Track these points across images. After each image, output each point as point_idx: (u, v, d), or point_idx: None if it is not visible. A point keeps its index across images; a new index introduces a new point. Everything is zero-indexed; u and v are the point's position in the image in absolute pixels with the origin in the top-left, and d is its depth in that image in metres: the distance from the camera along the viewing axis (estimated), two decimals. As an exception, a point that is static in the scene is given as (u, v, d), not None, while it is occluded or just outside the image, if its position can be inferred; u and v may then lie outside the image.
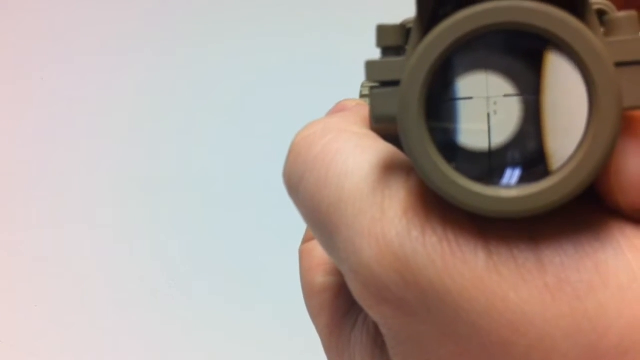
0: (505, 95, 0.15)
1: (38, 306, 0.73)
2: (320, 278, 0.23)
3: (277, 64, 0.73)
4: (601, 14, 0.17)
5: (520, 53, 0.15)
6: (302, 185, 0.18)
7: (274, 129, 0.72)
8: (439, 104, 0.15)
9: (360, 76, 0.27)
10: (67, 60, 0.76)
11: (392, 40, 0.16)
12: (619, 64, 0.15)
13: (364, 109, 0.22)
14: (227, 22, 0.75)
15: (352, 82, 0.31)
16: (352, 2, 0.73)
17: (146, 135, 0.75)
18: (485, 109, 0.15)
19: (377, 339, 0.19)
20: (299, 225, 0.24)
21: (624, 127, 0.15)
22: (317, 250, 0.24)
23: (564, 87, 0.15)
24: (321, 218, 0.18)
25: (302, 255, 0.24)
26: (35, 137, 0.76)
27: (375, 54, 0.17)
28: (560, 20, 0.14)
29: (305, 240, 0.25)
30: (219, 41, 0.75)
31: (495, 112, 0.15)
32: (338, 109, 0.23)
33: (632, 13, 0.16)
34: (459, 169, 0.15)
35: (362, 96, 0.26)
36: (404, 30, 0.16)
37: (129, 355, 0.71)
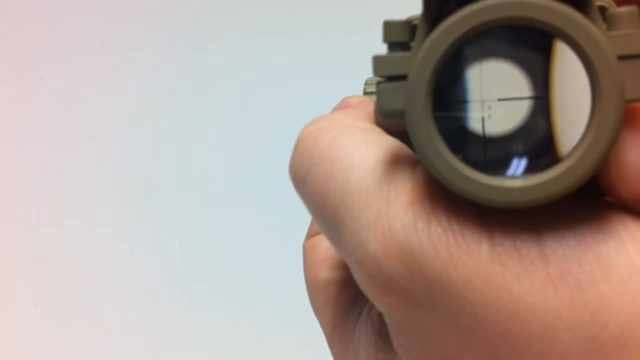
0: (499, 100, 0.16)
1: (38, 306, 0.73)
2: (325, 273, 0.23)
3: (277, 64, 0.73)
4: (602, 10, 0.17)
5: (525, 47, 0.16)
6: (308, 180, 0.19)
7: (274, 129, 0.72)
8: (445, 97, 0.16)
9: (360, 75, 0.27)
10: (67, 60, 0.76)
11: (399, 36, 0.17)
12: (621, 58, 0.15)
13: (369, 105, 0.22)
14: (227, 22, 0.75)
15: (352, 82, 0.31)
16: (352, 2, 0.73)
17: (146, 135, 0.75)
18: (479, 112, 0.16)
19: (382, 330, 0.19)
20: (299, 225, 0.24)
21: (625, 119, 0.15)
22: (321, 246, 0.24)
23: (569, 79, 0.15)
24: (327, 211, 0.18)
25: (306, 250, 0.24)
26: (35, 137, 0.76)
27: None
28: (563, 14, 0.14)
29: (309, 236, 0.25)
30: (219, 41, 0.75)
31: (489, 116, 0.16)
32: (343, 105, 0.23)
33: (633, 8, 0.16)
34: (465, 160, 0.15)
35: (365, 94, 0.26)
36: (409, 26, 0.17)
37: (129, 355, 0.71)
